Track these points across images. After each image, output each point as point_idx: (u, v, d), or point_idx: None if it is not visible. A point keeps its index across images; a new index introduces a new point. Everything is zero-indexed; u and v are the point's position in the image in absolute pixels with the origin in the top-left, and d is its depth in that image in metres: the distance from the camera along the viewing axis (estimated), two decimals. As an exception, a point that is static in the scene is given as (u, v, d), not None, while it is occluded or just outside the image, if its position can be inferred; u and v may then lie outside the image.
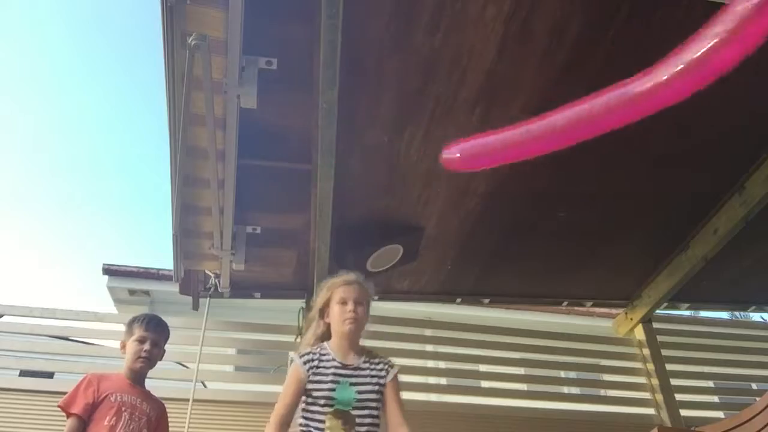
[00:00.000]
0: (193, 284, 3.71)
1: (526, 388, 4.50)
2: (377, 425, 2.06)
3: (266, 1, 2.23)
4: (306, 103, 2.61)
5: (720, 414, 4.13)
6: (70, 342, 4.16)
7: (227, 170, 2.69)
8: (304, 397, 2.06)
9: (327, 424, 1.97)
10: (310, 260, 3.51)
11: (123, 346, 2.62)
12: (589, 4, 2.47)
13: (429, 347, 4.71)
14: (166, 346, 2.77)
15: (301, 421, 2.04)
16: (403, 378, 4.00)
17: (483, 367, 4.47)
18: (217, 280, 3.58)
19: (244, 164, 2.78)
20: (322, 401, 2.01)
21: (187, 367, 4.04)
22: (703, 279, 4.04)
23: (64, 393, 2.48)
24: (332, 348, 2.15)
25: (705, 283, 4.14)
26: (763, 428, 2.47)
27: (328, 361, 2.09)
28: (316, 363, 2.08)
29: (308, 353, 2.12)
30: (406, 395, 3.91)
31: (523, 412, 3.99)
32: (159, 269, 6.89)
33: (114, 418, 2.39)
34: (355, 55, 2.46)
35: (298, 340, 3.84)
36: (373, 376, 2.14)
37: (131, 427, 2.42)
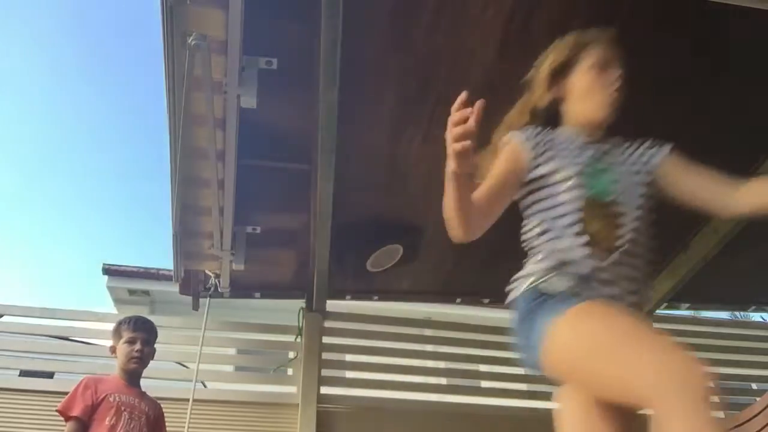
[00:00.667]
0: (193, 284, 3.71)
1: (526, 388, 4.50)
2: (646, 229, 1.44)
3: (266, 1, 2.23)
4: (306, 103, 2.61)
5: (720, 414, 4.12)
6: (70, 342, 4.16)
7: (227, 170, 2.69)
8: (528, 190, 1.52)
9: (582, 215, 1.36)
10: (310, 260, 3.50)
11: (113, 350, 2.63)
12: (589, 4, 2.47)
13: (429, 347, 4.70)
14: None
15: (534, 222, 1.52)
16: (403, 378, 4.03)
17: (483, 367, 4.46)
18: (217, 280, 3.58)
19: (244, 164, 2.78)
20: (564, 188, 1.40)
21: (187, 367, 4.04)
22: (703, 279, 4.04)
23: (64, 393, 2.49)
24: (569, 131, 1.50)
25: (705, 283, 4.14)
26: (763, 428, 2.47)
27: (567, 141, 1.48)
28: (545, 144, 1.47)
29: (533, 129, 1.50)
30: (405, 395, 3.94)
31: (522, 412, 3.99)
32: (159, 269, 6.89)
33: (114, 418, 2.40)
34: (355, 55, 2.45)
35: (298, 339, 3.84)
36: (634, 163, 1.54)
37: (131, 425, 2.44)
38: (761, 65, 2.80)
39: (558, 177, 1.43)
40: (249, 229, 3.26)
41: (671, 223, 3.79)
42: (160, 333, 4.43)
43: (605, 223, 1.37)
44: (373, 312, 4.30)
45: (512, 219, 3.83)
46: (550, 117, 1.56)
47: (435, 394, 4.66)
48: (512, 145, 1.48)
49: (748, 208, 1.54)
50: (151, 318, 2.87)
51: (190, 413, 3.27)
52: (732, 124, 3.12)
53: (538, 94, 1.59)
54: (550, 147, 1.47)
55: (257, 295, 3.98)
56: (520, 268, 1.57)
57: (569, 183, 1.40)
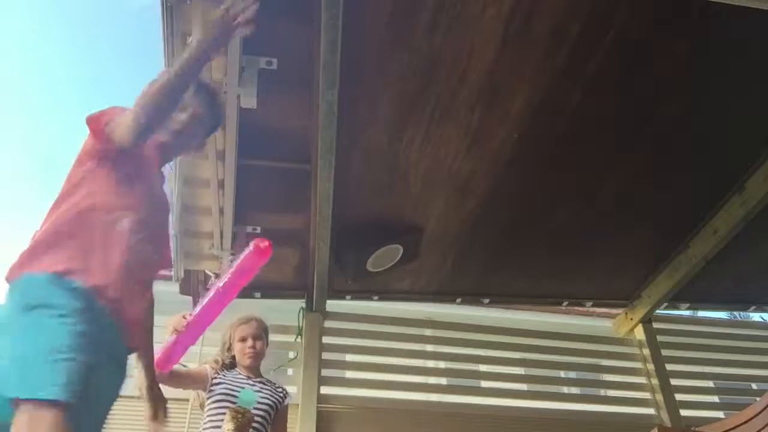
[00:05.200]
0: (193, 284, 3.71)
1: (526, 388, 4.50)
2: None
3: (266, 1, 2.23)
4: (306, 103, 2.61)
5: (720, 414, 4.12)
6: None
7: (227, 170, 2.69)
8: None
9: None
10: (310, 260, 3.50)
11: None
12: (589, 4, 2.48)
13: (429, 347, 4.71)
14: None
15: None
16: (403, 378, 4.03)
17: (483, 367, 4.46)
18: (217, 281, 3.58)
19: (244, 164, 2.79)
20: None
21: (187, 367, 4.03)
22: (703, 279, 4.04)
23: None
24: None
25: (705, 283, 4.14)
26: (763, 428, 2.46)
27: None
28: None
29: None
30: (405, 395, 3.94)
31: (523, 412, 3.98)
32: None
33: None
34: (355, 55, 2.46)
35: (298, 339, 3.84)
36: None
37: None
38: (761, 64, 2.81)
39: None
40: (249, 229, 3.26)
41: (671, 223, 3.81)
42: (161, 333, 4.43)
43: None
44: (373, 312, 4.30)
45: (511, 221, 3.84)
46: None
47: (435, 394, 4.66)
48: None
49: None
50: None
51: (190, 413, 3.27)
52: (731, 124, 3.13)
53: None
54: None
55: (257, 295, 3.98)
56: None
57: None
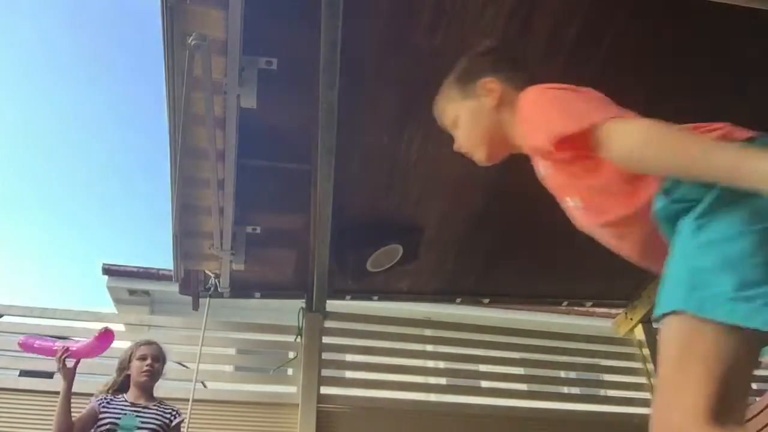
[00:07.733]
0: (193, 284, 3.71)
1: (526, 388, 4.50)
2: None
3: (266, 1, 2.23)
4: (306, 103, 2.60)
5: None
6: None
7: (227, 170, 2.69)
8: None
9: None
10: (310, 260, 3.50)
11: None
12: (589, 4, 2.48)
13: (429, 347, 4.71)
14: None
15: None
16: (403, 378, 4.03)
17: (483, 367, 4.46)
18: (217, 280, 3.58)
19: (244, 164, 2.78)
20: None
21: (187, 367, 4.04)
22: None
23: (64, 393, 2.48)
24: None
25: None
26: (763, 428, 2.47)
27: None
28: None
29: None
30: (405, 395, 3.94)
31: (523, 412, 3.98)
32: (159, 269, 6.89)
33: None
34: (355, 55, 2.46)
35: (298, 339, 3.84)
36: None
37: None
38: (760, 64, 2.81)
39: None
40: (249, 229, 3.26)
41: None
42: (160, 333, 4.45)
43: None
44: (373, 312, 4.30)
45: (511, 220, 3.83)
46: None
47: (435, 394, 4.66)
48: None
49: None
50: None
51: (190, 413, 3.27)
52: (730, 122, 3.12)
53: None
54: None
55: (257, 295, 3.98)
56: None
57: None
